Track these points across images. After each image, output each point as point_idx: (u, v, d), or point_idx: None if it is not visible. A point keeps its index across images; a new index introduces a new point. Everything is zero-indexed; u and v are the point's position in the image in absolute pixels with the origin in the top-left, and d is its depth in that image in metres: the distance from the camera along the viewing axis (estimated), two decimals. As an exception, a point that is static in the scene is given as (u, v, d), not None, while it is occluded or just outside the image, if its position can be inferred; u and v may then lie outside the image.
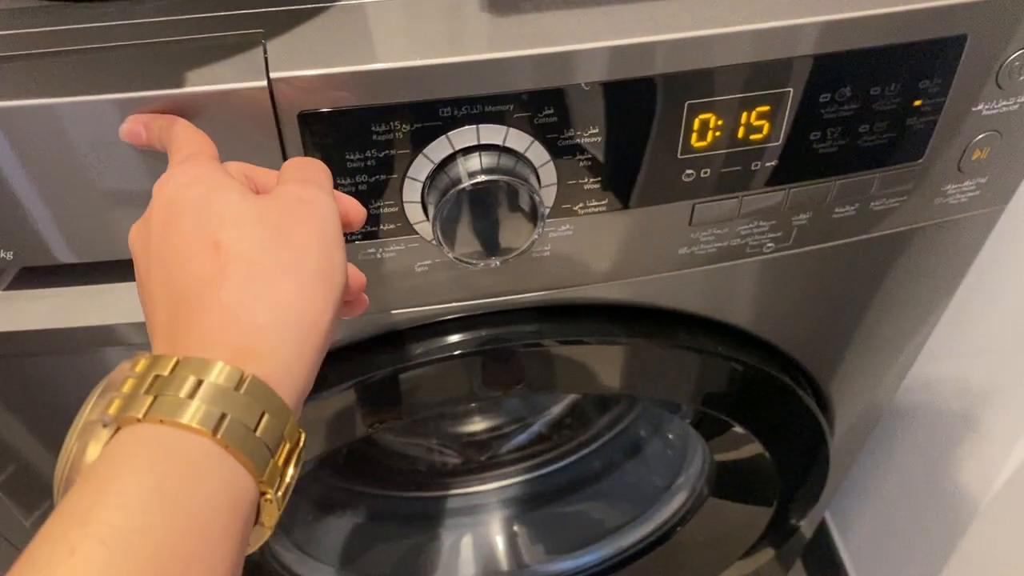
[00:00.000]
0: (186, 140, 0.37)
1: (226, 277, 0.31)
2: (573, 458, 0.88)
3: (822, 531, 1.21)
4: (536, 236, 0.46)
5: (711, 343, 0.59)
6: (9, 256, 0.44)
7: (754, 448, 0.70)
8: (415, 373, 0.56)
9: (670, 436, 0.83)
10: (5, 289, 0.49)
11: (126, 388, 0.30)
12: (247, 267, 0.31)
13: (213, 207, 0.33)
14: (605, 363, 0.59)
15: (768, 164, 0.49)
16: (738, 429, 0.67)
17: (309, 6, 0.44)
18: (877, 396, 0.77)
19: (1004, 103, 0.51)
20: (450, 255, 0.46)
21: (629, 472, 0.87)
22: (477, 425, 0.89)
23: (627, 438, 0.87)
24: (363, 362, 0.55)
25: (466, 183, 0.43)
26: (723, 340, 0.61)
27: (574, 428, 0.88)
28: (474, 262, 0.46)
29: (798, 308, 0.62)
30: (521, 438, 0.89)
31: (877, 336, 0.68)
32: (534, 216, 0.45)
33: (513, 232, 0.46)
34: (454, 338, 0.55)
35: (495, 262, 0.47)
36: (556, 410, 0.88)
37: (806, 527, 0.98)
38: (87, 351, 0.51)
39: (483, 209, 0.44)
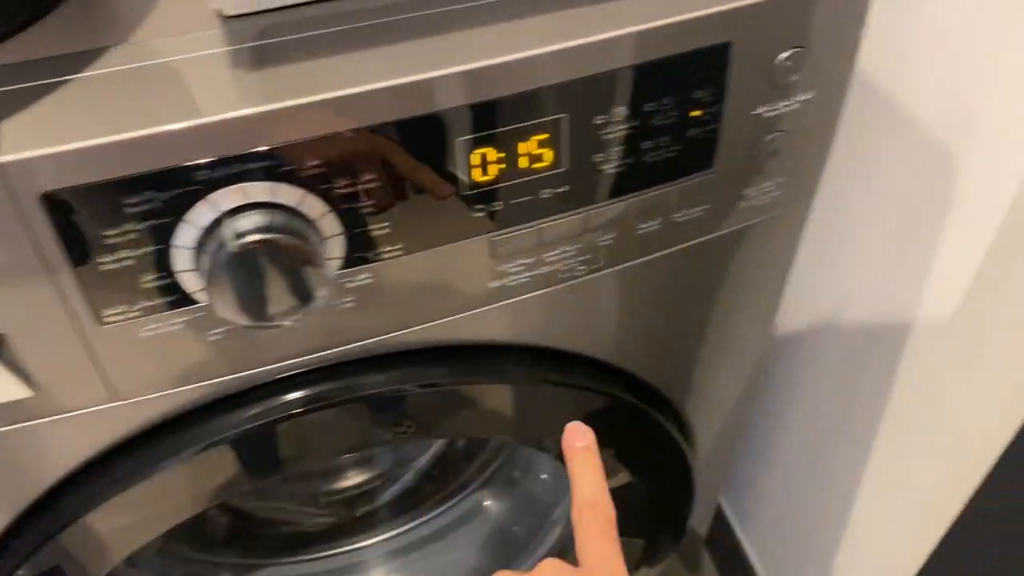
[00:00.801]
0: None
1: None
2: (447, 505, 0.86)
3: (721, 521, 1.22)
4: (323, 292, 0.44)
5: (538, 372, 0.59)
6: None
7: (623, 477, 0.69)
8: (223, 448, 0.53)
9: (542, 476, 0.82)
10: None
11: None
12: None
13: None
14: (438, 409, 0.58)
15: (559, 190, 0.49)
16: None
17: (50, 81, 0.42)
18: (737, 402, 0.78)
19: (784, 103, 0.51)
20: (234, 322, 0.44)
21: (506, 514, 0.85)
22: (346, 481, 0.86)
23: (500, 481, 0.85)
24: (174, 442, 0.52)
25: (233, 246, 0.41)
26: (553, 367, 0.60)
27: (444, 476, 0.86)
28: (262, 326, 0.44)
29: (631, 327, 0.61)
30: (394, 490, 0.86)
31: (719, 343, 0.68)
32: (317, 271, 0.43)
33: (297, 290, 0.44)
34: (283, 398, 0.53)
35: (285, 323, 0.45)
36: (424, 460, 0.86)
37: (698, 524, 0.99)
38: None
39: (259, 270, 0.42)
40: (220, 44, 0.44)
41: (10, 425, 0.48)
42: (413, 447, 0.86)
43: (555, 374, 0.59)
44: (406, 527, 0.86)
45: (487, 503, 0.86)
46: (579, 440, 0.49)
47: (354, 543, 0.87)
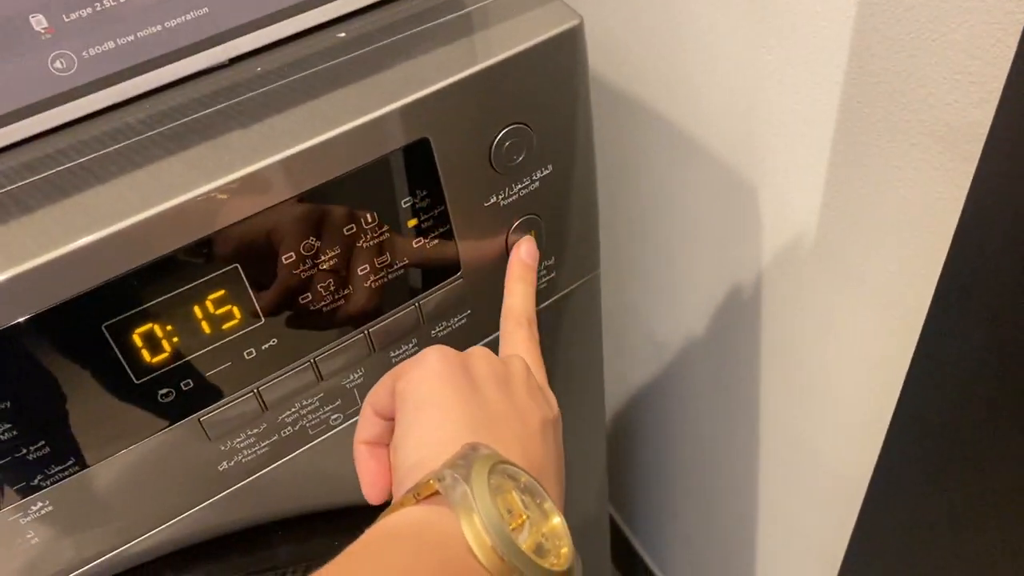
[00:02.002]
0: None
1: None
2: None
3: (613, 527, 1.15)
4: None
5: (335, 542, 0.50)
6: None
7: None
8: None
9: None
10: None
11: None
12: None
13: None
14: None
15: (267, 345, 0.40)
16: None
17: None
18: (594, 481, 0.70)
19: (519, 187, 0.44)
20: None
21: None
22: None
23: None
24: None
25: None
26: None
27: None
28: None
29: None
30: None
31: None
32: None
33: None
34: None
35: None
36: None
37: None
38: None
39: None
40: None
41: None
42: None
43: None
44: None
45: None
46: (528, 257, 0.45)
47: None
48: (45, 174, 0.36)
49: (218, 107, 0.38)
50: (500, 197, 0.44)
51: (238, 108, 0.38)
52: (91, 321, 0.35)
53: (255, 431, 0.43)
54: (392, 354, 0.45)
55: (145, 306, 0.36)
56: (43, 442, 0.36)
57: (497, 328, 0.46)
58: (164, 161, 0.36)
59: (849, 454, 0.61)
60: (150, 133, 0.38)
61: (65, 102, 0.37)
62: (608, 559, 0.86)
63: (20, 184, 0.36)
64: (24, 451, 0.36)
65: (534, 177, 0.44)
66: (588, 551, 0.76)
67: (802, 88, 0.48)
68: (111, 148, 0.37)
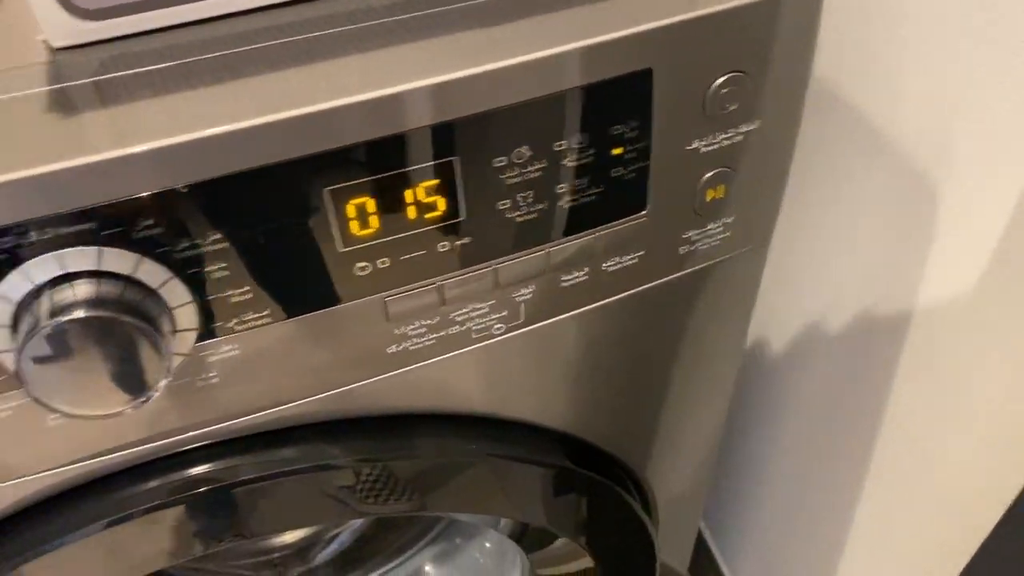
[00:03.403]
0: None
1: None
2: (387, 568, 0.79)
3: (701, 545, 1.15)
4: (162, 377, 0.37)
5: (471, 445, 0.52)
6: None
7: (583, 562, 0.63)
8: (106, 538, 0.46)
9: (486, 544, 0.75)
10: None
11: None
12: None
13: None
14: (347, 489, 0.50)
15: (460, 242, 0.42)
16: (566, 544, 0.60)
17: None
18: (699, 463, 0.70)
19: (724, 136, 0.44)
20: (58, 413, 0.37)
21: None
22: (278, 541, 0.79)
23: (442, 546, 0.78)
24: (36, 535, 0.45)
25: (45, 325, 0.34)
26: (492, 437, 0.53)
27: (382, 538, 0.79)
28: (91, 417, 0.37)
29: (571, 388, 0.54)
30: (329, 550, 0.79)
31: (674, 400, 0.61)
32: (154, 352, 0.36)
33: (131, 375, 0.37)
34: (142, 487, 0.46)
35: (127, 409, 0.38)
36: (361, 520, 0.78)
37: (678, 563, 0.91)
38: None
39: (84, 353, 0.35)
40: (44, 82, 0.37)
41: None
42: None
43: (500, 446, 0.52)
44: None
45: (427, 568, 0.79)
46: None
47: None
48: (296, 37, 0.38)
49: (465, 4, 0.40)
50: (702, 143, 0.44)
51: (483, 8, 0.40)
52: (316, 183, 0.37)
53: (427, 322, 0.45)
54: (562, 278, 0.46)
55: (366, 179, 0.38)
56: (248, 288, 0.39)
57: (667, 272, 0.47)
58: (405, 45, 0.38)
59: (981, 480, 0.60)
60: (401, 17, 0.40)
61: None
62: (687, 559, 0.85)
63: (269, 43, 0.38)
64: (230, 293, 0.39)
65: (740, 129, 0.44)
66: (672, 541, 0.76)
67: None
68: (361, 25, 0.39)
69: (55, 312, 0.35)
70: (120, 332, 0.35)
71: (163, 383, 0.37)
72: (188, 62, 0.38)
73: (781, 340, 0.83)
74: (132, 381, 0.37)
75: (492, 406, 0.53)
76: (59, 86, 0.37)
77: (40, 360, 0.35)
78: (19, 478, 0.42)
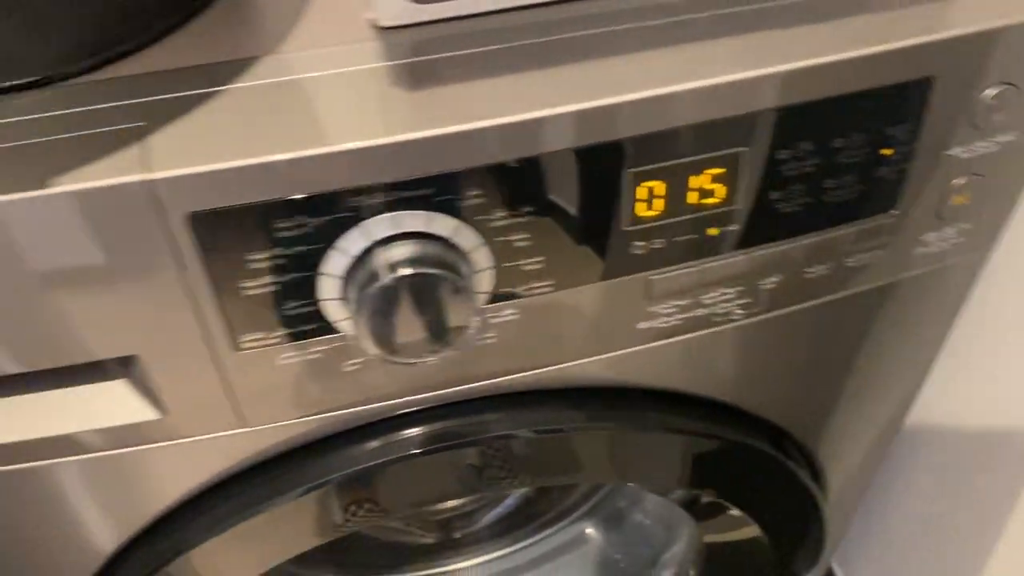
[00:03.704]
0: None
1: None
2: (549, 531, 0.82)
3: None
4: (469, 328, 0.41)
5: (687, 421, 0.54)
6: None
7: (750, 531, 0.65)
8: (375, 476, 0.50)
9: (651, 509, 0.77)
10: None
11: None
12: None
13: None
14: (577, 452, 0.54)
15: (727, 229, 0.44)
16: (734, 512, 0.62)
17: (198, 92, 0.39)
18: (872, 451, 0.72)
19: (982, 144, 0.46)
20: (378, 355, 0.41)
21: (611, 545, 0.81)
22: (446, 503, 0.83)
23: (606, 510, 0.81)
24: (303, 471, 0.50)
25: (387, 278, 0.38)
26: (700, 415, 0.56)
27: (546, 501, 0.82)
28: (405, 360, 0.41)
29: (777, 373, 0.57)
30: (494, 512, 0.83)
31: (866, 393, 0.63)
32: (466, 306, 0.40)
33: (444, 325, 0.41)
34: (405, 433, 0.50)
35: (428, 359, 0.42)
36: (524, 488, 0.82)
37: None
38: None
39: (410, 303, 0.39)
40: (374, 59, 0.41)
41: (130, 447, 0.46)
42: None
43: (698, 423, 0.55)
44: (504, 551, 0.82)
45: (590, 531, 0.82)
46: None
47: (450, 565, 0.83)
48: (609, 28, 0.42)
49: (763, 5, 0.43)
50: (960, 150, 0.46)
51: (781, 10, 0.42)
52: (618, 165, 0.40)
53: (679, 302, 0.47)
54: (807, 269, 0.49)
55: (663, 164, 0.41)
56: (542, 259, 0.42)
57: (899, 272, 0.49)
58: (710, 41, 0.41)
59: None
60: (703, 14, 0.42)
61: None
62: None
63: (581, 32, 0.42)
64: (525, 262, 0.42)
65: (997, 139, 0.46)
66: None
67: None
68: (662, 21, 0.42)
69: (391, 267, 0.39)
70: (438, 288, 0.39)
71: (468, 336, 0.41)
72: (507, 47, 0.41)
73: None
74: (439, 332, 0.41)
75: (706, 386, 0.55)
76: (396, 62, 0.41)
77: (372, 308, 0.39)
78: (301, 417, 0.47)
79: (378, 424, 0.50)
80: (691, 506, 0.67)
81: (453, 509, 0.82)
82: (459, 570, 0.85)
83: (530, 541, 0.84)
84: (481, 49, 0.41)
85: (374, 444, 0.49)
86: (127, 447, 0.46)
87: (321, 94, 0.39)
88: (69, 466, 0.46)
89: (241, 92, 0.39)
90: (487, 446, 0.50)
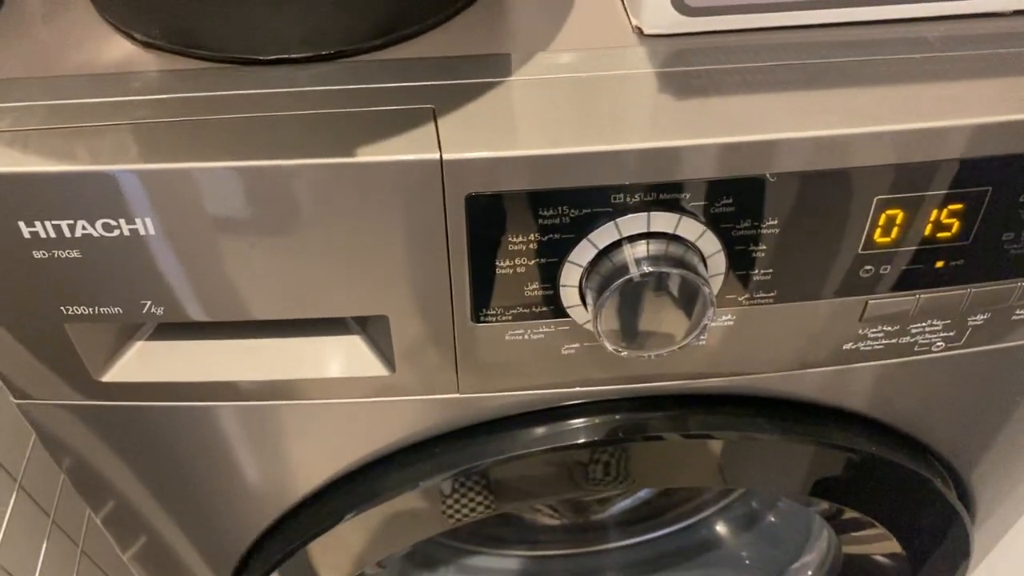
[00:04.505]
0: None
1: None
2: (681, 525, 0.84)
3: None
4: (701, 332, 0.43)
5: (861, 440, 0.55)
6: (160, 312, 0.43)
7: (890, 546, 0.65)
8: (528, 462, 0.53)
9: (787, 513, 0.78)
10: (146, 339, 0.48)
11: None
12: None
13: None
14: (738, 458, 0.55)
15: (953, 264, 0.45)
16: (876, 528, 0.63)
17: (478, 81, 0.42)
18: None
19: None
20: (607, 344, 0.43)
21: (745, 546, 0.82)
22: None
23: (741, 510, 0.82)
24: (484, 447, 0.53)
25: (634, 273, 0.40)
26: (870, 436, 0.57)
27: (682, 495, 0.84)
28: (632, 352, 0.44)
29: (957, 408, 0.57)
30: (626, 502, 0.85)
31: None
32: (701, 310, 0.42)
33: (676, 324, 0.43)
34: (576, 423, 0.52)
35: (652, 354, 0.44)
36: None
37: None
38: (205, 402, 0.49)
39: (648, 299, 0.41)
40: (642, 64, 0.43)
41: (350, 399, 0.49)
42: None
43: (872, 444, 0.56)
44: (633, 541, 0.85)
45: (719, 529, 0.83)
46: None
47: (579, 549, 0.86)
48: (873, 57, 0.43)
49: (983, 52, 0.43)
50: None
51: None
52: (870, 191, 0.41)
53: (888, 328, 0.49)
54: (1016, 311, 0.49)
55: (911, 194, 0.42)
56: (770, 270, 0.44)
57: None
58: (976, 81, 0.42)
59: None
60: (950, 53, 0.43)
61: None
62: None
63: (847, 59, 0.43)
64: (756, 272, 0.44)
65: None
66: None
67: None
68: (921, 55, 0.43)
69: (638, 263, 0.41)
70: (682, 288, 0.41)
71: (698, 336, 0.43)
72: (770, 64, 0.43)
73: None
74: (676, 327, 0.43)
75: (881, 409, 0.56)
76: (665, 70, 0.43)
77: (614, 300, 0.41)
78: (508, 390, 0.50)
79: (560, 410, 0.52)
80: (832, 519, 0.68)
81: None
82: (582, 555, 0.87)
83: (658, 535, 0.86)
84: (746, 65, 0.43)
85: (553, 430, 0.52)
86: (348, 398, 0.49)
87: (594, 93, 0.41)
88: (293, 408, 0.50)
89: (519, 84, 0.42)
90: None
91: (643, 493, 0.85)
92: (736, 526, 0.83)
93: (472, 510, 0.57)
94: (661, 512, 0.85)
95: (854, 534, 0.68)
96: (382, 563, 0.76)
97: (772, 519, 0.81)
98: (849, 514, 0.65)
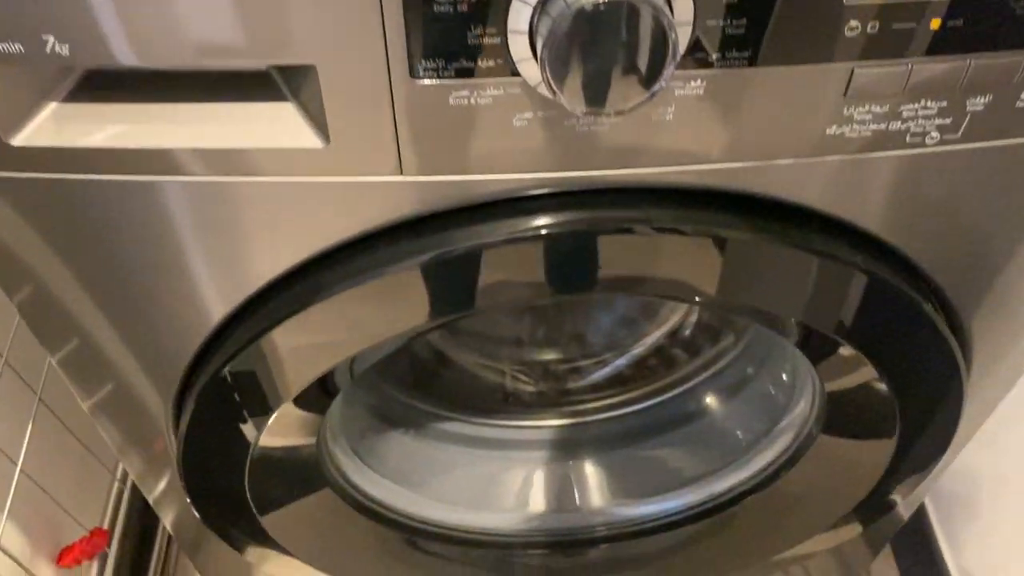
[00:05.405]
0: None
1: None
2: (662, 398, 0.81)
3: (919, 515, 1.11)
4: (665, 79, 0.38)
5: (837, 247, 0.51)
6: (64, 51, 0.39)
7: (869, 372, 0.60)
8: (492, 255, 0.49)
9: (782, 375, 0.74)
10: (62, 100, 0.44)
11: None
12: None
13: None
14: (703, 260, 0.51)
15: (950, 24, 0.40)
16: (847, 351, 0.58)
17: None
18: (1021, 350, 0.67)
19: None
20: (562, 100, 0.39)
21: (726, 416, 0.78)
22: (555, 354, 0.82)
23: (725, 380, 0.79)
24: (433, 239, 0.48)
25: (585, 2, 0.36)
26: (851, 245, 0.52)
27: (662, 368, 0.80)
28: (589, 109, 0.39)
29: (949, 218, 0.52)
30: (604, 372, 0.82)
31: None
32: (664, 51, 0.37)
33: (639, 72, 0.38)
34: (539, 220, 0.48)
35: (612, 111, 0.40)
36: (639, 350, 0.80)
37: (904, 508, 0.89)
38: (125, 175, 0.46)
39: (604, 38, 0.37)
40: None
41: (286, 176, 0.45)
42: (634, 331, 0.81)
43: (848, 252, 0.51)
44: (614, 413, 0.81)
45: (709, 401, 0.80)
46: None
47: (558, 420, 0.83)
48: None
49: None
50: None
51: None
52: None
53: (877, 109, 0.44)
54: (1022, 95, 0.44)
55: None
56: (744, 23, 0.39)
57: None
58: None
59: None
60: None
61: None
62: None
63: None
64: (726, 24, 0.39)
65: None
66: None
67: None
68: None
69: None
70: (641, 22, 0.36)
71: (663, 84, 0.38)
72: None
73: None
74: (638, 76, 0.38)
75: (864, 216, 0.51)
76: None
77: (564, 38, 0.37)
78: (456, 174, 0.46)
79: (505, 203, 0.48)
80: (805, 345, 0.62)
81: (559, 362, 0.82)
82: (559, 427, 0.84)
83: (640, 407, 0.83)
84: None
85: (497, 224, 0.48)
86: (284, 175, 0.45)
87: None
88: (231, 186, 0.46)
89: None
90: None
91: (621, 361, 0.82)
92: (724, 394, 0.79)
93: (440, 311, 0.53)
94: (639, 382, 0.81)
95: (832, 365, 0.62)
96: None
97: (763, 381, 0.77)
98: (820, 334, 0.59)
